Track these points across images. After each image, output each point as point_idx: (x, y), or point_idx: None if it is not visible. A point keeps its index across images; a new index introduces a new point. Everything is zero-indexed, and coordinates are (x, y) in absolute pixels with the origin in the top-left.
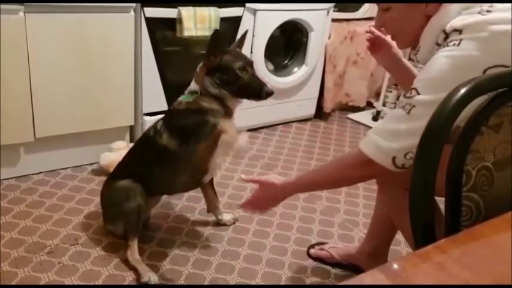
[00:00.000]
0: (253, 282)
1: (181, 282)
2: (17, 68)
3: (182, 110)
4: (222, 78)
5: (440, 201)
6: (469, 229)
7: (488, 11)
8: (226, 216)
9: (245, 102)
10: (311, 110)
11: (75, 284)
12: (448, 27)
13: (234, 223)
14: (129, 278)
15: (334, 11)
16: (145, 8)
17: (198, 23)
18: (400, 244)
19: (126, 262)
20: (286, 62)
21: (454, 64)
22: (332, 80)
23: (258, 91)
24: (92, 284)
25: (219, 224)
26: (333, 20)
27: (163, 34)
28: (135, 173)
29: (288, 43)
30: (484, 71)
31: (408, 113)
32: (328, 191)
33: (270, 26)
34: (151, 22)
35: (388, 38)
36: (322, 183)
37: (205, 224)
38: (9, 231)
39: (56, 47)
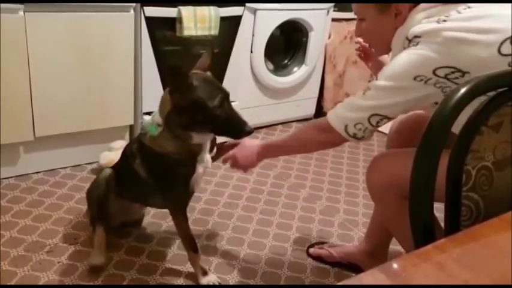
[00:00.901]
0: (252, 282)
1: (181, 282)
2: (17, 67)
3: (148, 148)
4: (194, 118)
5: (439, 208)
6: (468, 229)
7: (444, 20)
8: None
9: (245, 102)
10: (311, 110)
11: (75, 283)
12: (409, 34)
13: None
14: (128, 277)
15: (334, 10)
16: (145, 8)
17: (198, 22)
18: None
19: (91, 241)
20: (286, 61)
21: (409, 59)
22: (332, 80)
23: (237, 131)
24: (92, 283)
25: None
26: (333, 20)
27: (163, 33)
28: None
29: (288, 43)
30: (434, 70)
31: (364, 93)
32: (328, 190)
33: (270, 26)
34: (151, 21)
35: None
36: (291, 146)
37: (205, 223)
38: (9, 230)
39: (55, 46)
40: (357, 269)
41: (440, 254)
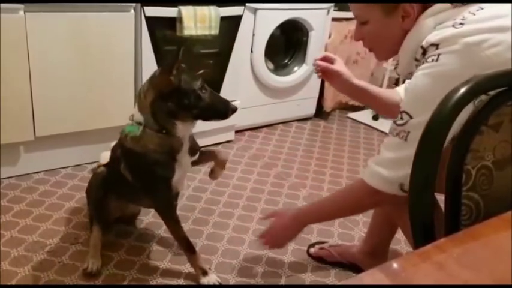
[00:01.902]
0: (253, 282)
1: (181, 282)
2: (17, 67)
3: (129, 150)
4: (181, 103)
5: (440, 201)
6: (468, 228)
7: (461, 24)
8: None
9: (246, 102)
10: (311, 109)
11: (76, 283)
12: (425, 43)
13: None
14: (129, 277)
15: (334, 10)
16: (145, 7)
17: (198, 22)
18: (400, 243)
19: (87, 245)
20: (286, 61)
21: (437, 80)
22: None
23: (224, 110)
24: (92, 283)
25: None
26: (333, 19)
27: (163, 33)
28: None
29: (288, 42)
30: None
31: (406, 139)
32: (329, 190)
33: (270, 25)
34: (151, 21)
35: (335, 66)
36: (334, 215)
37: (206, 223)
38: (9, 230)
39: (56, 46)
40: (357, 269)
41: (440, 254)
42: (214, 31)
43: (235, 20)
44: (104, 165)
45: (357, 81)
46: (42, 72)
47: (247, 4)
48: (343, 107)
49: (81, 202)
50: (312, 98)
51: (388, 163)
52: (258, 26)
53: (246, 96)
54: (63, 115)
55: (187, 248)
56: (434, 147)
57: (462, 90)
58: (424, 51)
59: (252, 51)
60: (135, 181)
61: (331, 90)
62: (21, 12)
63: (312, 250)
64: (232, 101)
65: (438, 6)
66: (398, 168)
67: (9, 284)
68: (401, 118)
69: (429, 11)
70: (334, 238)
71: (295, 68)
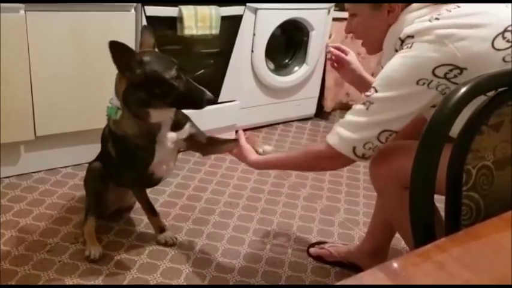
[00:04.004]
0: (253, 282)
1: (182, 281)
2: (18, 66)
3: (112, 132)
4: (151, 92)
5: (440, 201)
6: (469, 228)
7: (437, 18)
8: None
9: (246, 102)
10: (311, 109)
11: (76, 283)
12: (402, 34)
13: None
14: (129, 277)
15: (335, 10)
16: (146, 7)
17: (198, 21)
18: (400, 243)
19: (82, 235)
20: (286, 61)
21: (406, 63)
22: (333, 79)
23: (199, 100)
24: (92, 283)
25: (219, 222)
26: (334, 19)
27: (164, 33)
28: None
29: (289, 42)
30: (433, 70)
31: (367, 108)
32: (329, 189)
33: (271, 25)
34: (152, 21)
35: (348, 57)
36: (290, 167)
37: (206, 222)
38: (10, 229)
39: (56, 46)
40: (357, 269)
41: (440, 254)
42: (215, 31)
43: (236, 20)
44: (98, 158)
45: (366, 74)
46: (42, 72)
47: (247, 4)
48: (344, 107)
49: (82, 201)
50: (312, 98)
51: (347, 125)
52: (259, 26)
53: (246, 96)
54: (63, 114)
55: (149, 210)
56: (434, 147)
57: (462, 90)
58: (402, 42)
59: (252, 51)
60: (117, 159)
61: (332, 91)
62: (22, 12)
63: (312, 250)
64: (232, 100)
65: (419, 3)
66: (355, 131)
67: (9, 283)
68: (370, 91)
69: (411, 6)
70: (334, 238)
71: (296, 68)
